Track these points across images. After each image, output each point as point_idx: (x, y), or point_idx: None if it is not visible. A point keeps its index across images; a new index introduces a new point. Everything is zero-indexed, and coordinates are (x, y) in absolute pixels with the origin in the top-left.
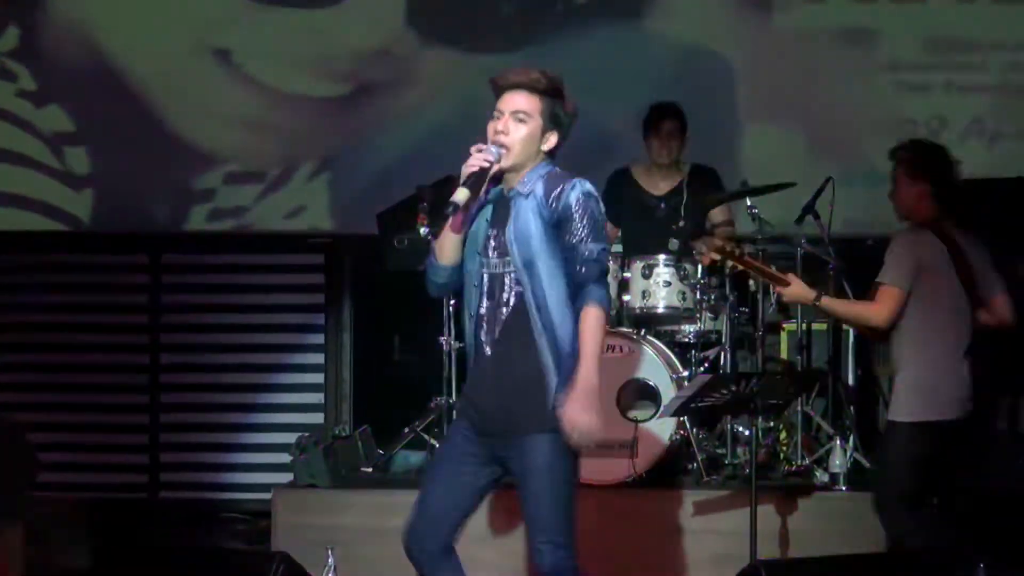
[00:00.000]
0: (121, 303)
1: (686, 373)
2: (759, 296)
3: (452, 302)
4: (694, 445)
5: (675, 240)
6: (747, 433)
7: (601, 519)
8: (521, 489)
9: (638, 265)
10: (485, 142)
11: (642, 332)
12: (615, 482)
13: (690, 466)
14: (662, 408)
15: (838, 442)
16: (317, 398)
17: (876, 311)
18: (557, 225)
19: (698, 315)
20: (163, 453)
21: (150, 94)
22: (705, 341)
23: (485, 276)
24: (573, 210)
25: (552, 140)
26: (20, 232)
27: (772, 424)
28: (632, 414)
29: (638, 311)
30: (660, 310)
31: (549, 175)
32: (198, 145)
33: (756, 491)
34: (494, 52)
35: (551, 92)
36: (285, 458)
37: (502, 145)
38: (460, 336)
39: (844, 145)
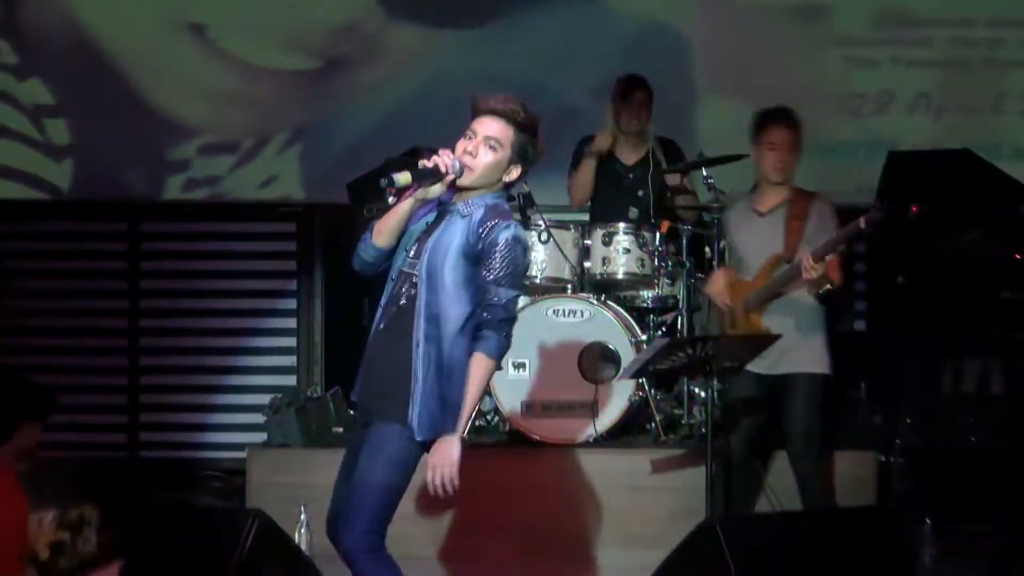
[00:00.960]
0: (100, 269)
1: (644, 337)
2: (715, 263)
3: None
4: (652, 406)
5: (634, 209)
6: (703, 394)
7: (562, 478)
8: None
9: (598, 232)
10: (450, 131)
11: (602, 297)
12: (576, 442)
13: (648, 426)
14: (621, 370)
15: None
16: (290, 361)
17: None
18: (477, 257)
19: (656, 281)
20: (142, 413)
21: (128, 68)
22: (663, 306)
23: (399, 272)
24: (498, 249)
25: (514, 173)
26: (2, 201)
27: (727, 386)
28: (592, 376)
29: (598, 277)
30: (620, 276)
31: (492, 207)
32: (174, 117)
33: (712, 450)
34: (461, 27)
35: (526, 127)
36: (259, 418)
37: (467, 165)
38: None
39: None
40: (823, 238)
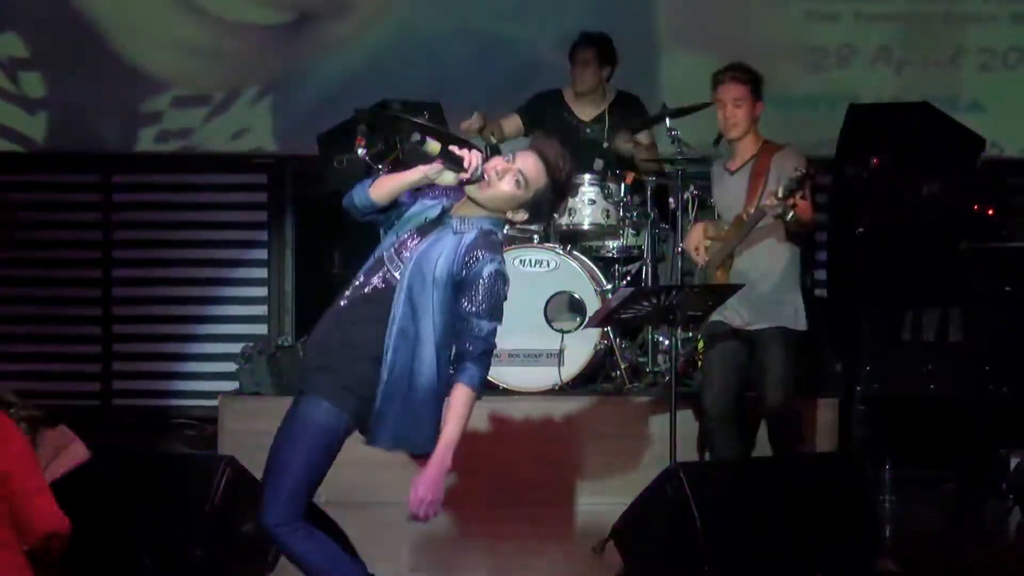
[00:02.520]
0: (74, 220)
1: (609, 286)
2: (679, 213)
3: None
4: (617, 354)
5: (600, 160)
6: (667, 343)
7: (529, 425)
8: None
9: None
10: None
11: (568, 247)
12: (542, 390)
13: (613, 374)
14: (587, 319)
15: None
16: (261, 310)
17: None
18: (457, 285)
19: (621, 231)
20: (115, 362)
21: (101, 21)
22: (627, 256)
23: (378, 257)
24: (481, 281)
25: (520, 217)
26: None
27: (691, 334)
28: (558, 325)
29: (564, 227)
30: (585, 227)
31: (486, 234)
32: (147, 70)
33: (676, 398)
34: None
35: (558, 187)
36: (231, 367)
37: (487, 180)
38: None
39: (758, 70)
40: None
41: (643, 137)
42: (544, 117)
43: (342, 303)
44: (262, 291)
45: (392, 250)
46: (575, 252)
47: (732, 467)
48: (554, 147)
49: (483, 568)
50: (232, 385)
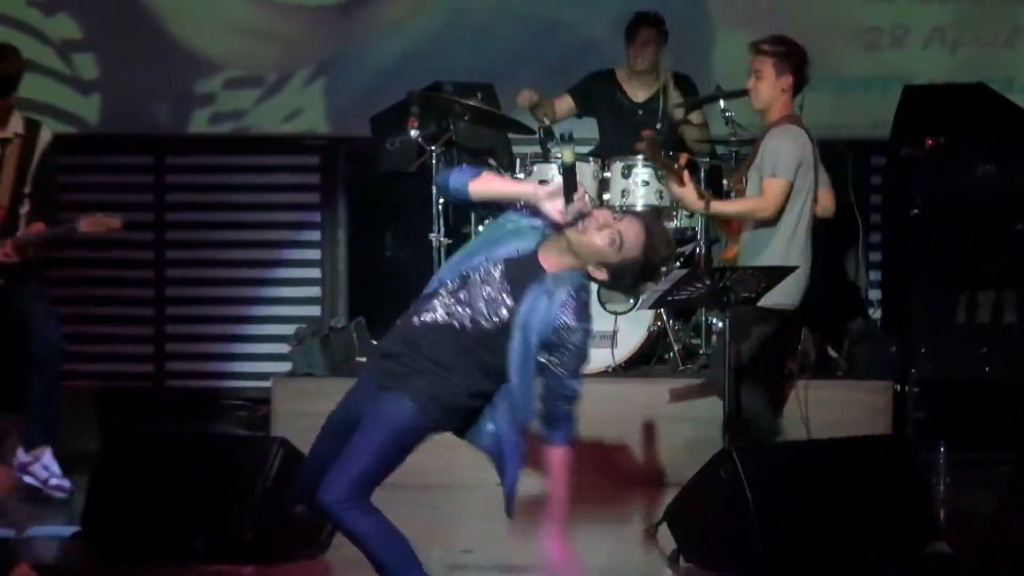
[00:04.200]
0: (127, 202)
1: (663, 268)
2: (732, 195)
3: (441, 200)
4: (670, 336)
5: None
6: (720, 324)
7: (582, 407)
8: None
9: (618, 165)
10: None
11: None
12: (596, 372)
13: (667, 356)
14: (640, 301)
15: (807, 334)
16: (314, 291)
17: (766, 204)
18: (546, 344)
19: (675, 212)
20: (168, 344)
21: (154, 3)
22: (681, 237)
23: (464, 273)
24: (575, 346)
25: (601, 275)
26: None
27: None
28: (612, 307)
29: (618, 209)
30: (639, 208)
31: (578, 294)
32: (200, 51)
33: (729, 379)
34: None
35: (648, 265)
36: (284, 348)
37: (586, 229)
38: (449, 233)
39: (812, 52)
40: (761, 164)
41: (695, 117)
42: (597, 98)
43: (427, 318)
44: (315, 272)
45: (479, 276)
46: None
47: (786, 449)
48: (662, 230)
49: (536, 550)
50: (285, 367)
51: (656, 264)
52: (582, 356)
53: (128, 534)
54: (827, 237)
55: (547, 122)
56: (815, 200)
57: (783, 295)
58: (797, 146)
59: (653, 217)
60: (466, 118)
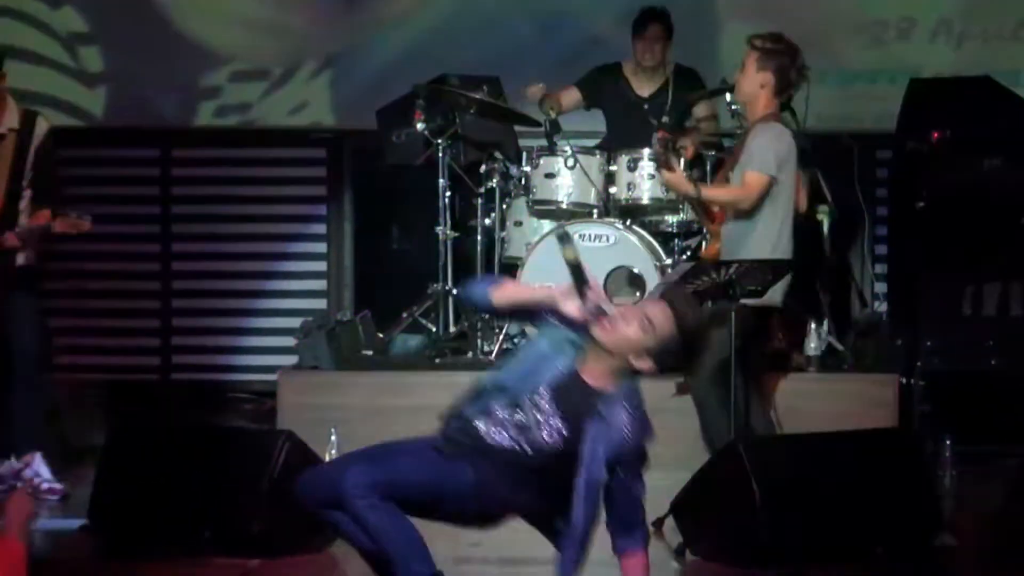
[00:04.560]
0: (133, 195)
1: (669, 261)
2: None
3: (448, 193)
4: None
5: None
6: None
7: None
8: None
9: (624, 158)
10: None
11: (627, 222)
12: None
13: None
14: (646, 294)
15: (813, 327)
16: (320, 285)
17: (746, 195)
18: (612, 464)
19: (680, 206)
20: (174, 337)
21: None
22: (687, 231)
23: (516, 408)
24: (638, 456)
25: (645, 365)
26: None
27: None
28: (618, 300)
29: (624, 202)
30: (645, 201)
31: (633, 407)
32: (205, 44)
33: (735, 372)
34: None
35: (687, 336)
36: (290, 341)
37: (614, 325)
38: (455, 226)
39: (818, 44)
40: (744, 158)
41: (701, 110)
42: (603, 91)
43: (493, 438)
44: (321, 266)
45: (529, 403)
46: (634, 227)
47: (792, 442)
48: (684, 297)
49: (542, 544)
50: (291, 360)
51: (691, 331)
52: (645, 459)
53: (134, 527)
54: (833, 230)
55: (554, 115)
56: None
57: (769, 293)
58: (781, 144)
59: (669, 288)
60: (472, 111)
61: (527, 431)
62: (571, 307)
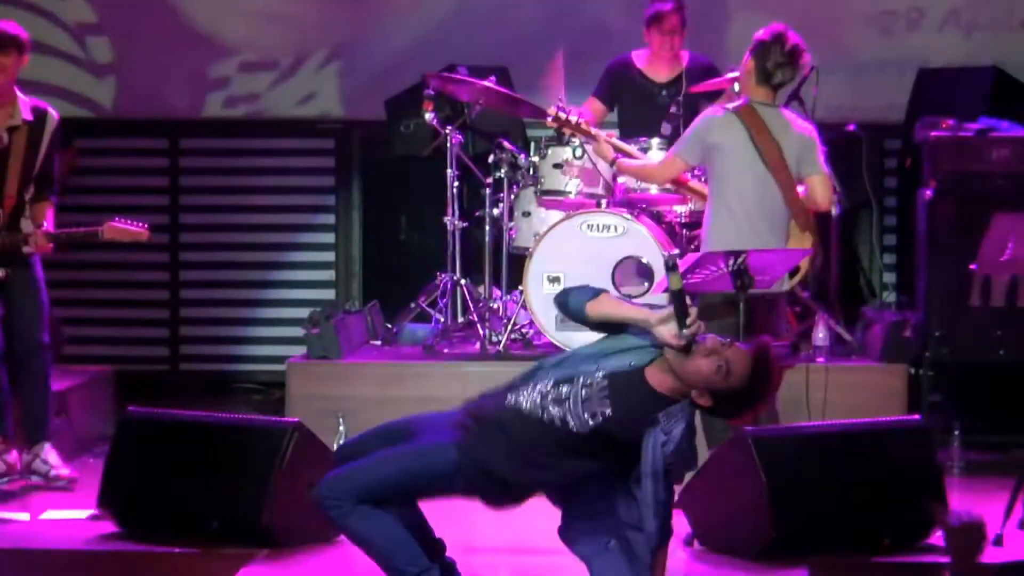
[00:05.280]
0: (142, 185)
1: (677, 251)
2: None
3: (457, 183)
4: None
5: (667, 125)
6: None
7: None
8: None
9: (632, 148)
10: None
11: (636, 212)
12: None
13: None
14: (655, 284)
15: (821, 316)
16: (328, 275)
17: (652, 168)
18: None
19: (689, 196)
20: (182, 327)
21: None
22: (695, 221)
23: (567, 382)
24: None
25: (704, 401)
26: None
27: None
28: (626, 290)
29: (632, 192)
30: (653, 191)
31: (688, 423)
32: (214, 35)
33: None
34: None
35: (749, 395)
36: (298, 332)
37: (693, 355)
38: (464, 216)
39: (827, 35)
40: None
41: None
42: (620, 88)
43: (521, 403)
44: (329, 256)
45: (582, 380)
46: (643, 217)
47: (800, 433)
48: (771, 358)
49: (550, 532)
50: (299, 350)
51: (762, 394)
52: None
53: (143, 517)
54: (841, 220)
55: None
56: (791, 187)
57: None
58: (704, 128)
59: (763, 347)
60: (480, 101)
61: (563, 403)
62: (666, 333)
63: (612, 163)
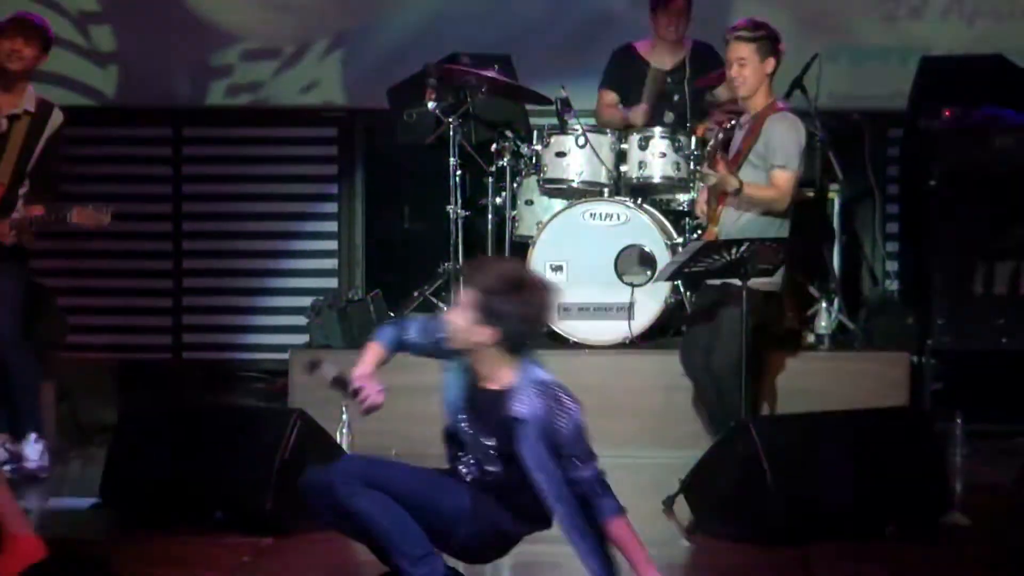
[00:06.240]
0: (145, 174)
1: (680, 240)
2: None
3: (459, 172)
4: (687, 308)
5: (670, 113)
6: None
7: (599, 378)
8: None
9: (635, 137)
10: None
11: (638, 201)
12: (613, 343)
13: (683, 328)
14: (657, 273)
15: (824, 305)
16: (331, 264)
17: (780, 195)
18: (551, 448)
19: (691, 184)
20: (186, 316)
21: None
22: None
23: (458, 444)
24: (568, 431)
25: (482, 334)
26: None
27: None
28: (629, 279)
29: (635, 181)
30: (656, 180)
31: (540, 387)
32: (217, 23)
33: (747, 351)
34: None
35: (503, 289)
36: (301, 320)
37: (450, 336)
38: (466, 205)
39: (830, 23)
40: (768, 153)
41: (724, 91)
42: (625, 76)
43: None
44: (332, 245)
45: (461, 432)
46: (645, 205)
47: (802, 421)
48: (476, 267)
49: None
50: (302, 339)
51: (504, 282)
52: (580, 432)
53: (147, 506)
54: (844, 208)
55: (564, 93)
56: None
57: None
58: (798, 134)
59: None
60: (483, 90)
61: (479, 463)
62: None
63: (739, 191)
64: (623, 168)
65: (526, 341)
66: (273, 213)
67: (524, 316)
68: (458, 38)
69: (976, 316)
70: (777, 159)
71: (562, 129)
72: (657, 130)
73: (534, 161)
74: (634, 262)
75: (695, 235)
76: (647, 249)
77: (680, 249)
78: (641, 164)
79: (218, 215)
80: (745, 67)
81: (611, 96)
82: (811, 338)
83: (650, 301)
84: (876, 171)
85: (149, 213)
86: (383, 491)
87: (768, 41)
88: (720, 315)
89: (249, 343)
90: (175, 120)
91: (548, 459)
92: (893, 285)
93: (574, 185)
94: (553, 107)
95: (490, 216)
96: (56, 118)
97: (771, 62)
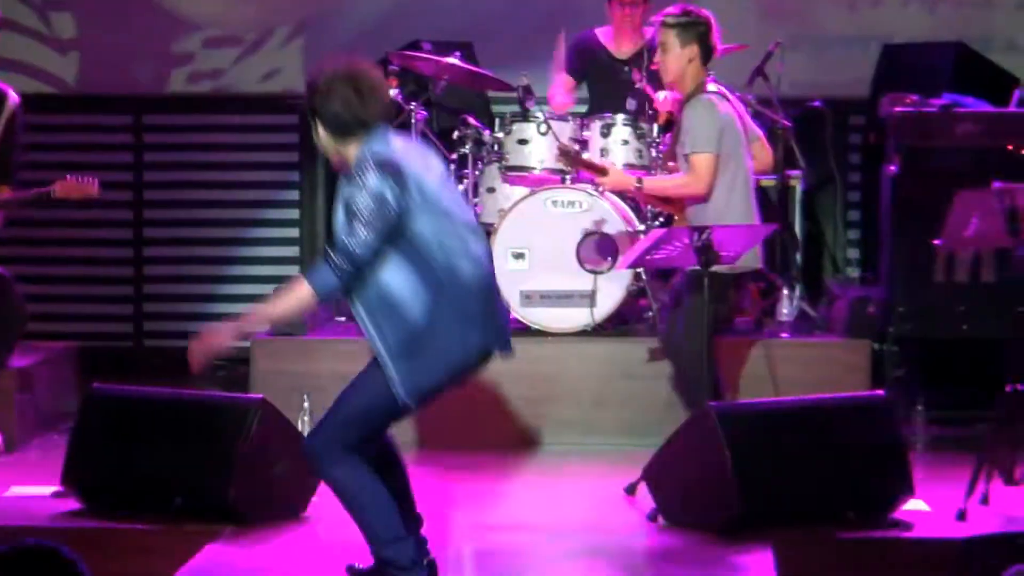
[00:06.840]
0: (105, 162)
1: (642, 227)
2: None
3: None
4: (649, 295)
5: (632, 100)
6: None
7: (561, 365)
8: None
9: (597, 124)
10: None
11: (600, 188)
12: (574, 330)
13: (645, 315)
14: (619, 260)
15: (785, 292)
16: (293, 251)
17: (696, 179)
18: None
19: (654, 172)
20: (146, 304)
21: None
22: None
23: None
24: (350, 197)
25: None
26: None
27: None
28: (591, 266)
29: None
30: (618, 167)
31: (360, 158)
32: (178, 11)
33: (709, 338)
34: None
35: (322, 89)
36: None
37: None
38: None
39: (792, 11)
40: (684, 139)
41: None
42: (585, 63)
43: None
44: (294, 232)
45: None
46: (607, 192)
47: (763, 408)
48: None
49: (515, 508)
50: (264, 326)
51: (325, 80)
52: (353, 208)
53: (107, 494)
54: (805, 196)
55: (525, 80)
56: (752, 157)
57: (753, 257)
58: (711, 115)
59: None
60: (445, 77)
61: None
62: None
63: (638, 186)
64: (586, 155)
65: (349, 123)
66: (234, 201)
67: (336, 107)
68: (420, 25)
69: (937, 303)
70: (688, 145)
71: (524, 116)
72: (619, 117)
73: (496, 148)
74: (596, 249)
75: (657, 222)
76: (610, 236)
77: (642, 236)
78: (603, 151)
79: (179, 202)
80: (667, 53)
81: (567, 79)
82: (772, 325)
83: (612, 288)
84: (838, 159)
85: (110, 200)
86: (351, 437)
87: (689, 27)
88: (683, 302)
89: None
90: (136, 107)
91: (342, 213)
92: (854, 272)
93: (536, 172)
94: (515, 95)
95: None
96: (12, 99)
97: (692, 48)
